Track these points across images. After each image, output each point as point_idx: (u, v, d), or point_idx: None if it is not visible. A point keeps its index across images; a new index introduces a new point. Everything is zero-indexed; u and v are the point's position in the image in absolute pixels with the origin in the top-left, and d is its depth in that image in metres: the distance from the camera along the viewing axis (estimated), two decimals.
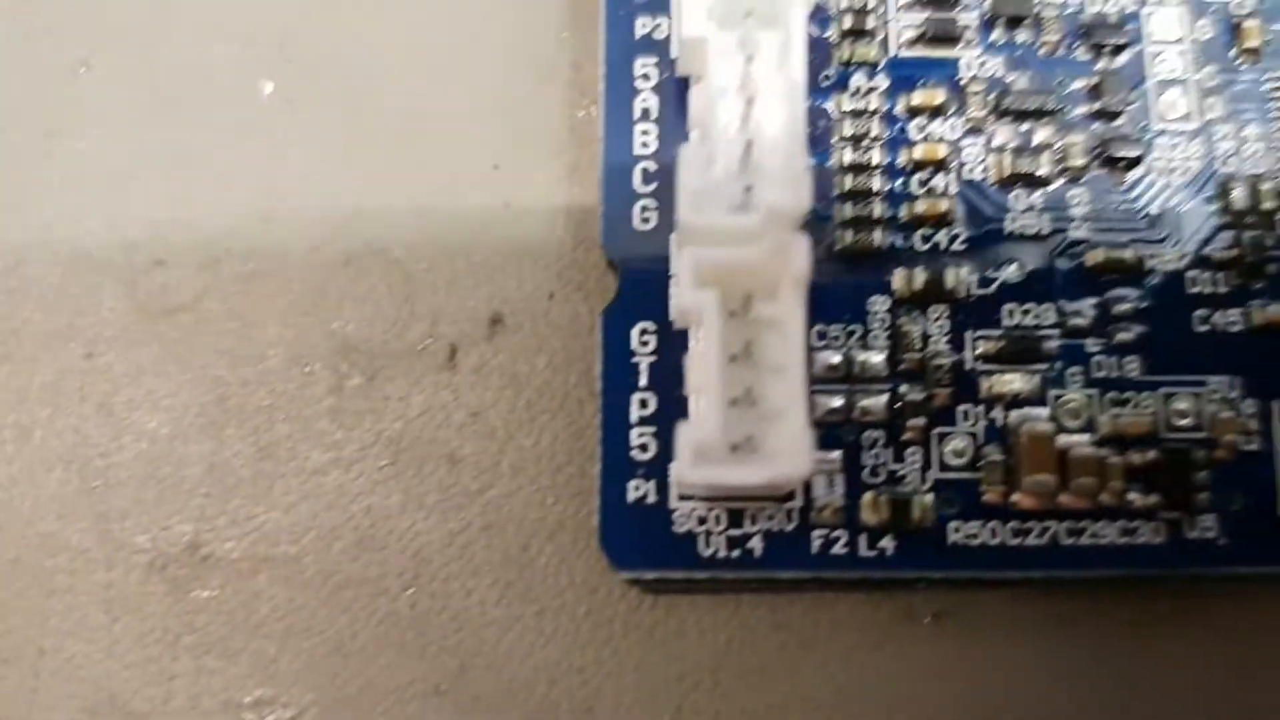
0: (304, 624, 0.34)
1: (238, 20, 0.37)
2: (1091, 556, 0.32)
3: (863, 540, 0.32)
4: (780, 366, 0.31)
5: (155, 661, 0.34)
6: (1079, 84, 0.34)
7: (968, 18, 0.35)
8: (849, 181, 0.34)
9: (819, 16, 0.34)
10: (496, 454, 0.34)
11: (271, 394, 0.35)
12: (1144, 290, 0.33)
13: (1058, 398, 0.33)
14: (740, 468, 0.30)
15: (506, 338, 0.35)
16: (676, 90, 0.34)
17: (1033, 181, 0.34)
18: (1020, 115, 0.34)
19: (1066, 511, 0.33)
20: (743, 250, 0.30)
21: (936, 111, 0.34)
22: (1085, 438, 0.33)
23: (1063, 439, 0.33)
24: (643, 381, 0.33)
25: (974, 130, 0.34)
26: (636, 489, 0.32)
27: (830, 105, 0.34)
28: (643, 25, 0.34)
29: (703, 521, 0.32)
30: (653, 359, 0.33)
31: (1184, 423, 0.33)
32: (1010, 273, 0.34)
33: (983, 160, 0.34)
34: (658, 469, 0.32)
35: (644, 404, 0.33)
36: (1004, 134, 0.34)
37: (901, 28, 0.35)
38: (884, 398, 0.33)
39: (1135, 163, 0.34)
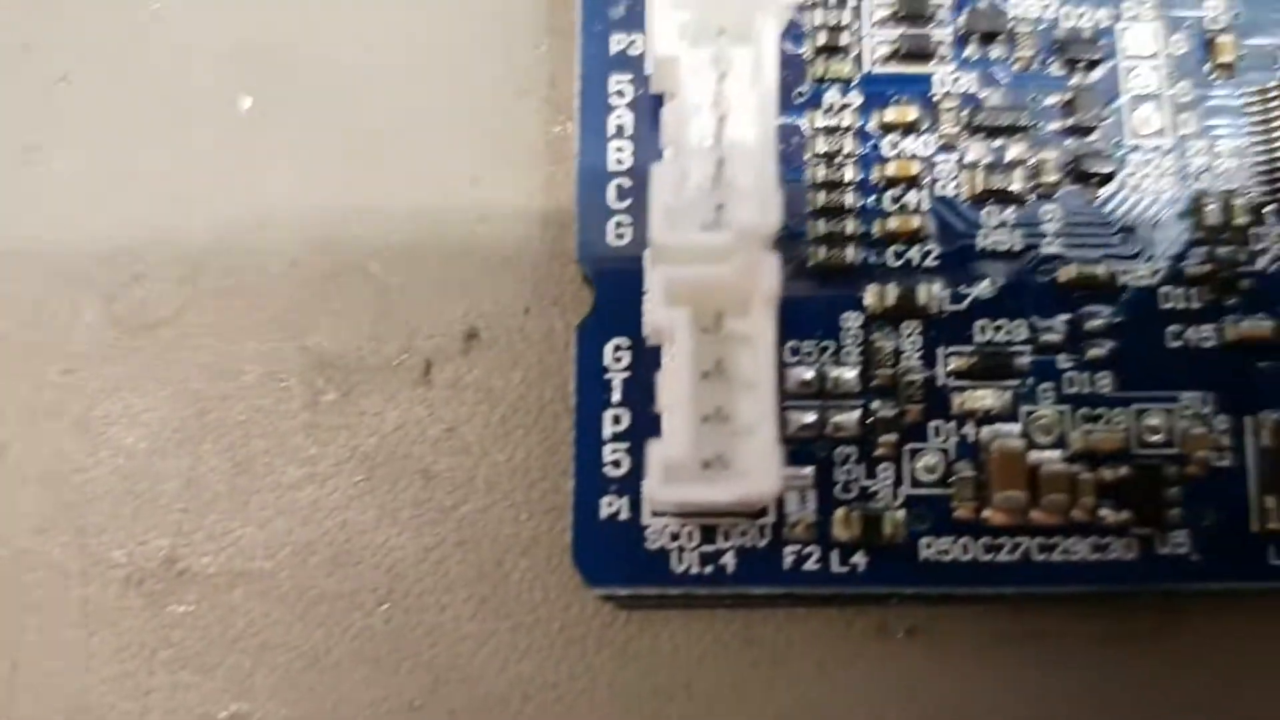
0: (279, 639, 0.34)
1: (216, 35, 0.37)
2: (1063, 572, 0.33)
3: (835, 556, 0.33)
4: (751, 383, 0.31)
5: (131, 676, 0.34)
6: (1052, 100, 0.34)
7: (941, 34, 0.35)
8: (822, 198, 0.34)
9: (793, 33, 0.34)
10: (471, 469, 0.35)
11: (248, 409, 0.35)
12: (1117, 306, 0.34)
13: (1029, 414, 0.33)
14: (710, 486, 0.30)
15: (482, 352, 0.35)
16: (651, 106, 0.34)
17: (1005, 198, 0.34)
18: (993, 131, 0.34)
19: (1038, 527, 0.33)
20: (714, 268, 0.30)
21: (909, 128, 0.34)
22: (1057, 454, 0.33)
23: (1034, 455, 0.33)
24: (616, 397, 0.33)
25: (947, 147, 0.34)
26: (610, 505, 0.33)
27: (804, 122, 0.34)
28: (618, 42, 0.34)
29: (675, 538, 0.32)
30: (626, 375, 0.33)
31: (1156, 439, 0.33)
32: (982, 289, 0.34)
33: (955, 177, 0.34)
34: (631, 485, 0.32)
35: (617, 420, 0.33)
36: (977, 150, 0.34)
37: (875, 44, 0.35)
38: (856, 413, 0.33)
39: (1108, 178, 0.34)
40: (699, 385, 0.31)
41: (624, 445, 0.33)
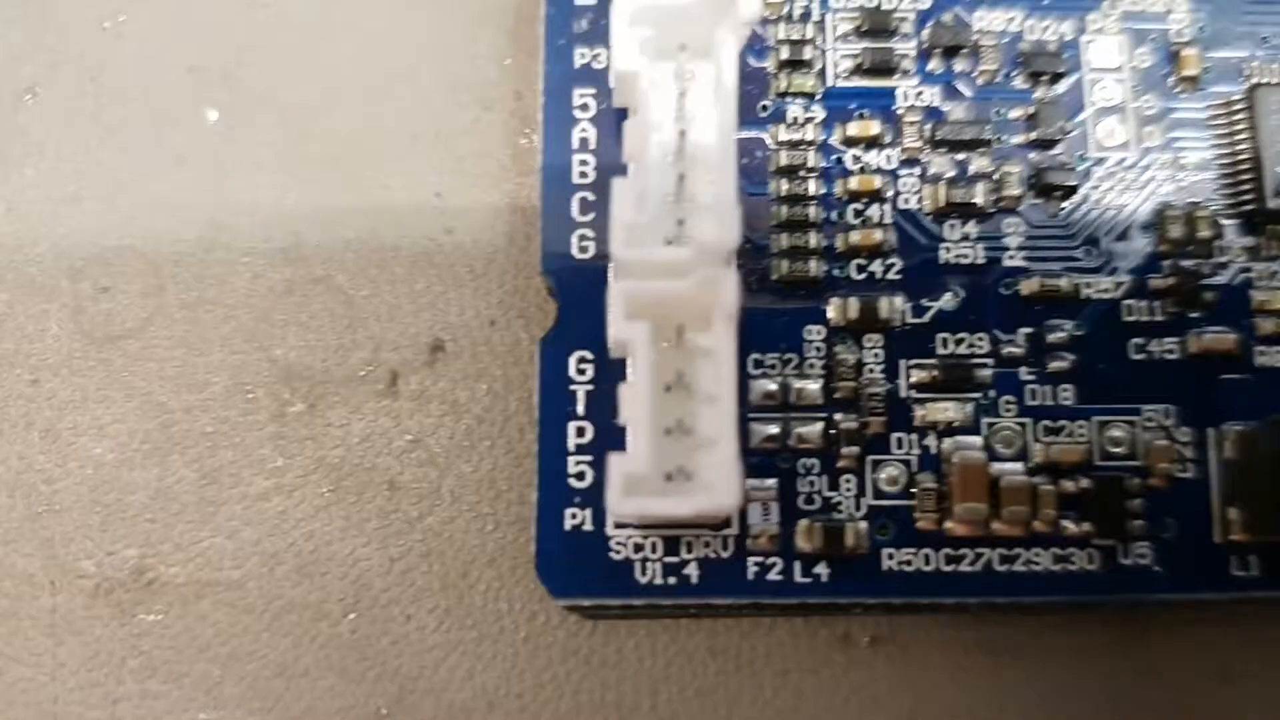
0: (248, 648, 0.34)
1: (182, 49, 0.37)
2: (1025, 583, 0.33)
3: (798, 567, 0.33)
4: (713, 396, 0.31)
5: (100, 685, 0.34)
6: (1016, 113, 0.35)
7: (905, 48, 0.35)
8: (785, 212, 0.34)
9: (756, 47, 0.35)
10: (436, 480, 0.35)
11: (215, 420, 0.35)
12: (1079, 319, 0.34)
13: (991, 426, 0.33)
14: (671, 499, 0.30)
15: (447, 364, 0.35)
16: (615, 120, 0.34)
17: (968, 211, 0.34)
18: (956, 145, 0.34)
19: (1000, 539, 0.33)
20: (674, 283, 0.30)
21: (873, 142, 0.34)
22: (1018, 466, 0.33)
23: (995, 467, 0.33)
24: (580, 410, 0.33)
25: (910, 161, 0.34)
26: (573, 517, 0.33)
27: (767, 136, 0.34)
28: (581, 56, 0.34)
29: (639, 549, 0.33)
30: (590, 387, 0.33)
31: (1118, 451, 0.33)
32: (945, 302, 0.34)
33: (918, 190, 0.34)
34: (595, 497, 0.33)
35: (581, 432, 0.33)
36: (940, 164, 0.34)
37: (839, 58, 0.35)
38: (819, 426, 0.33)
39: (1072, 191, 0.34)
40: (660, 398, 0.31)
41: (587, 457, 0.33)
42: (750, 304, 0.33)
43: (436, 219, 0.36)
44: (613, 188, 0.30)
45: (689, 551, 0.33)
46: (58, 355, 0.35)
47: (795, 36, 0.35)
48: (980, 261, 0.34)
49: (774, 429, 0.33)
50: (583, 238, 0.34)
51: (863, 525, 0.33)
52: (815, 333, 0.34)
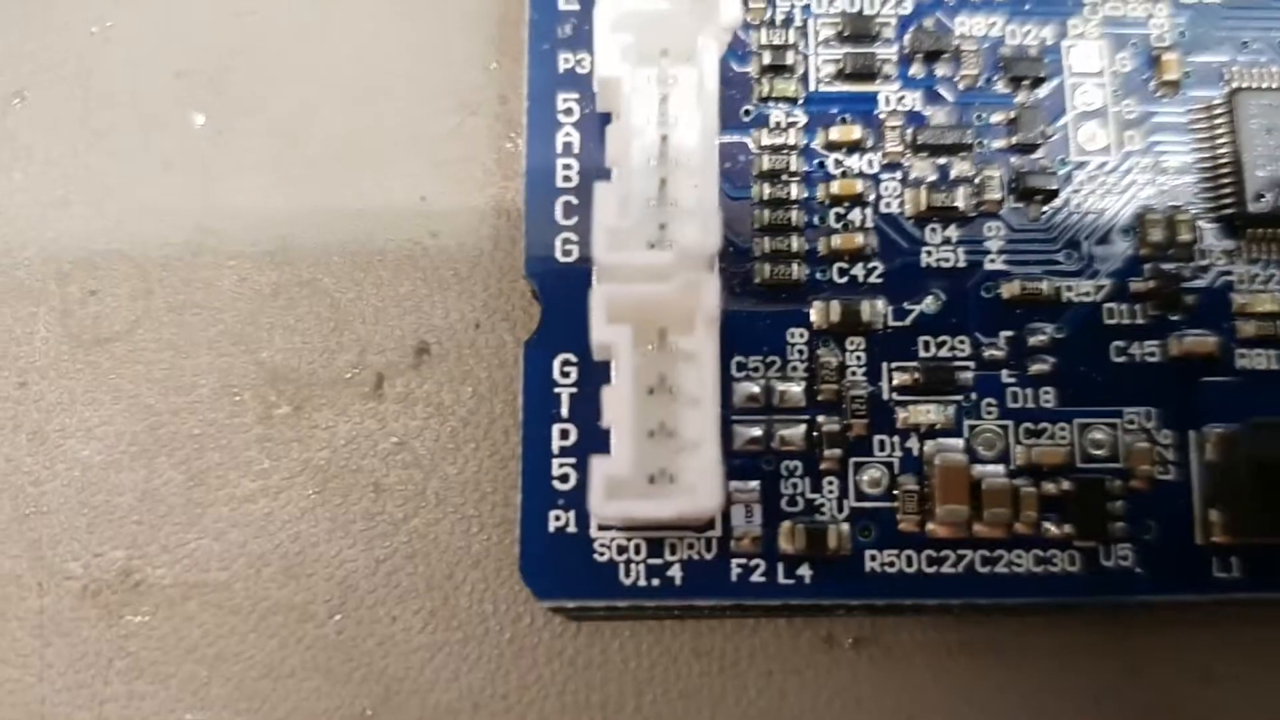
0: (234, 649, 0.34)
1: (170, 54, 0.37)
2: (1008, 585, 0.33)
3: (780, 568, 0.33)
4: (695, 400, 0.31)
5: (87, 686, 0.34)
6: (998, 117, 0.35)
7: (887, 53, 0.35)
8: (768, 215, 0.34)
9: (739, 52, 0.35)
10: (422, 482, 0.35)
11: (202, 423, 0.35)
12: (1060, 322, 0.34)
13: (973, 428, 0.33)
14: (653, 501, 0.31)
15: (433, 367, 0.35)
16: (599, 124, 0.34)
17: (949, 215, 0.34)
18: (937, 149, 0.34)
19: (981, 540, 0.33)
20: (655, 287, 0.30)
21: (854, 146, 0.34)
22: (1000, 468, 0.33)
23: (977, 469, 0.33)
24: (564, 412, 0.33)
25: (892, 165, 0.34)
26: (558, 519, 0.33)
27: (750, 140, 0.34)
28: (565, 61, 0.35)
29: (623, 551, 0.33)
30: (574, 390, 0.33)
31: (1100, 453, 0.33)
32: (926, 305, 0.34)
33: (900, 195, 0.34)
34: (578, 499, 0.33)
35: (565, 435, 0.33)
36: (921, 168, 0.34)
37: (821, 63, 0.35)
38: (802, 428, 0.33)
39: (1053, 195, 0.34)
40: (643, 401, 0.32)
41: (571, 460, 0.33)
42: (733, 307, 0.34)
43: (421, 222, 0.36)
44: (595, 192, 0.31)
45: (672, 553, 0.33)
46: (46, 358, 0.35)
47: (777, 42, 0.35)
48: (961, 265, 0.34)
49: (757, 431, 0.33)
50: (566, 241, 0.34)
51: (845, 527, 0.33)
52: (798, 335, 0.34)
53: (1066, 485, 0.33)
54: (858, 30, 0.35)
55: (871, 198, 0.34)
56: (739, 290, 0.34)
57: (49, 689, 0.34)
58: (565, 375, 0.33)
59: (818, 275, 0.34)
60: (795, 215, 0.34)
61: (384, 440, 0.35)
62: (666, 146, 0.32)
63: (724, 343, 0.32)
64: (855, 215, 0.34)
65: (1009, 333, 0.34)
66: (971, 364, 0.34)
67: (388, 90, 0.37)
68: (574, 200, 0.34)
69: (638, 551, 0.33)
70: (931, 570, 0.33)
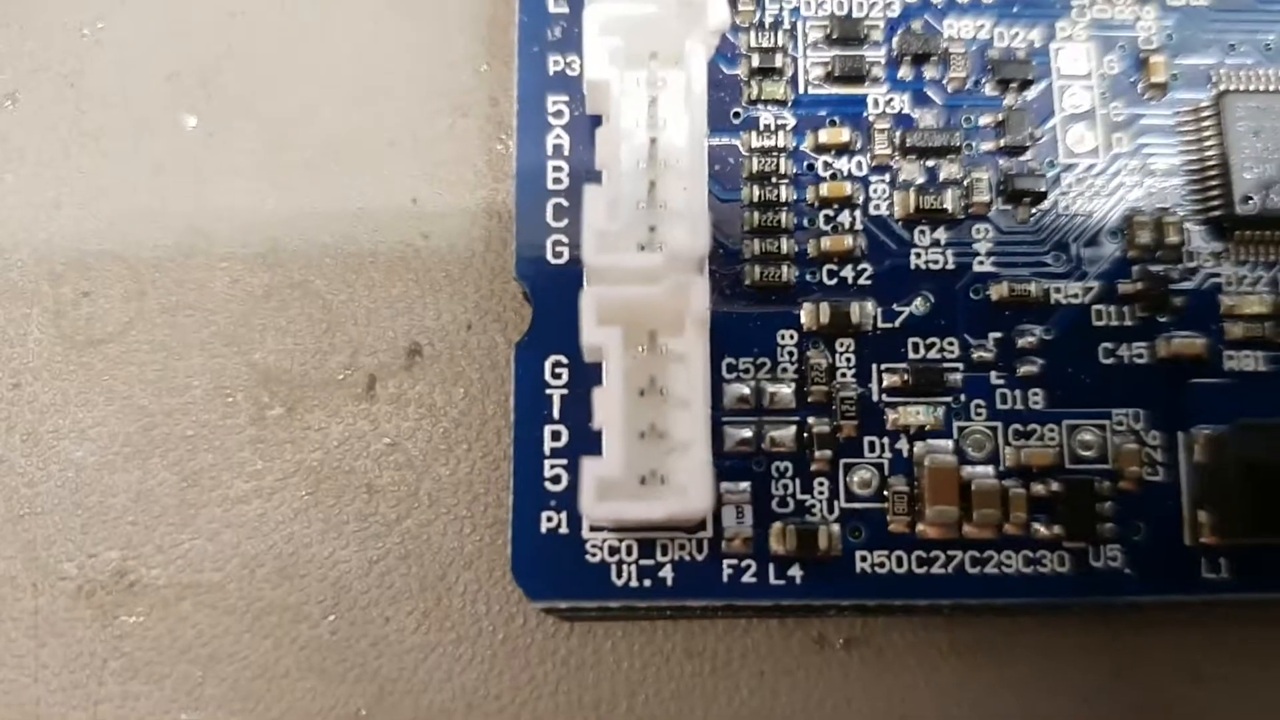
0: (228, 649, 0.35)
1: (161, 56, 0.37)
2: (997, 585, 0.33)
3: (771, 569, 0.33)
4: (685, 401, 0.31)
5: (82, 686, 0.35)
6: (986, 120, 0.35)
7: (875, 55, 0.35)
8: (757, 218, 0.34)
9: (728, 55, 0.35)
10: (414, 483, 0.35)
11: (195, 424, 0.35)
12: (1049, 324, 0.34)
13: (962, 430, 0.34)
14: (643, 502, 0.31)
15: (425, 368, 0.36)
16: (589, 125, 0.34)
17: (938, 217, 0.34)
18: (926, 152, 0.35)
19: (971, 541, 0.33)
20: (645, 289, 0.30)
21: (843, 149, 0.35)
22: (989, 469, 0.33)
23: (967, 470, 0.33)
24: (555, 413, 0.33)
25: (880, 167, 0.35)
26: (549, 520, 0.33)
27: (739, 143, 0.35)
28: (555, 63, 0.35)
29: (614, 552, 0.33)
30: (565, 391, 0.33)
31: (1089, 454, 0.34)
32: (915, 307, 0.34)
33: (889, 197, 0.35)
34: (570, 500, 0.33)
35: (557, 436, 0.33)
36: (910, 170, 0.35)
37: (809, 65, 0.35)
38: (792, 429, 0.33)
39: (1041, 197, 0.34)
40: (634, 403, 0.32)
41: (563, 461, 0.33)
42: (723, 309, 0.34)
43: (413, 224, 0.36)
44: (585, 195, 0.31)
45: (664, 554, 0.33)
46: (39, 359, 0.36)
47: (766, 44, 0.35)
48: (950, 267, 0.34)
49: (747, 433, 0.33)
50: (557, 243, 0.34)
51: (835, 528, 0.33)
52: (788, 337, 0.34)
53: (1056, 486, 0.33)
54: (846, 33, 0.35)
55: (860, 200, 0.34)
56: (729, 292, 0.34)
57: (44, 689, 0.34)
58: (556, 377, 0.34)
59: (807, 277, 0.34)
60: (785, 217, 0.34)
61: (376, 441, 0.35)
62: (656, 149, 0.32)
63: (714, 344, 0.32)
64: (844, 217, 0.34)
65: (998, 334, 0.34)
66: (960, 365, 0.34)
67: (379, 92, 0.37)
68: (564, 202, 0.34)
69: (629, 552, 0.33)
70: (922, 571, 0.33)
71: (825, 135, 0.34)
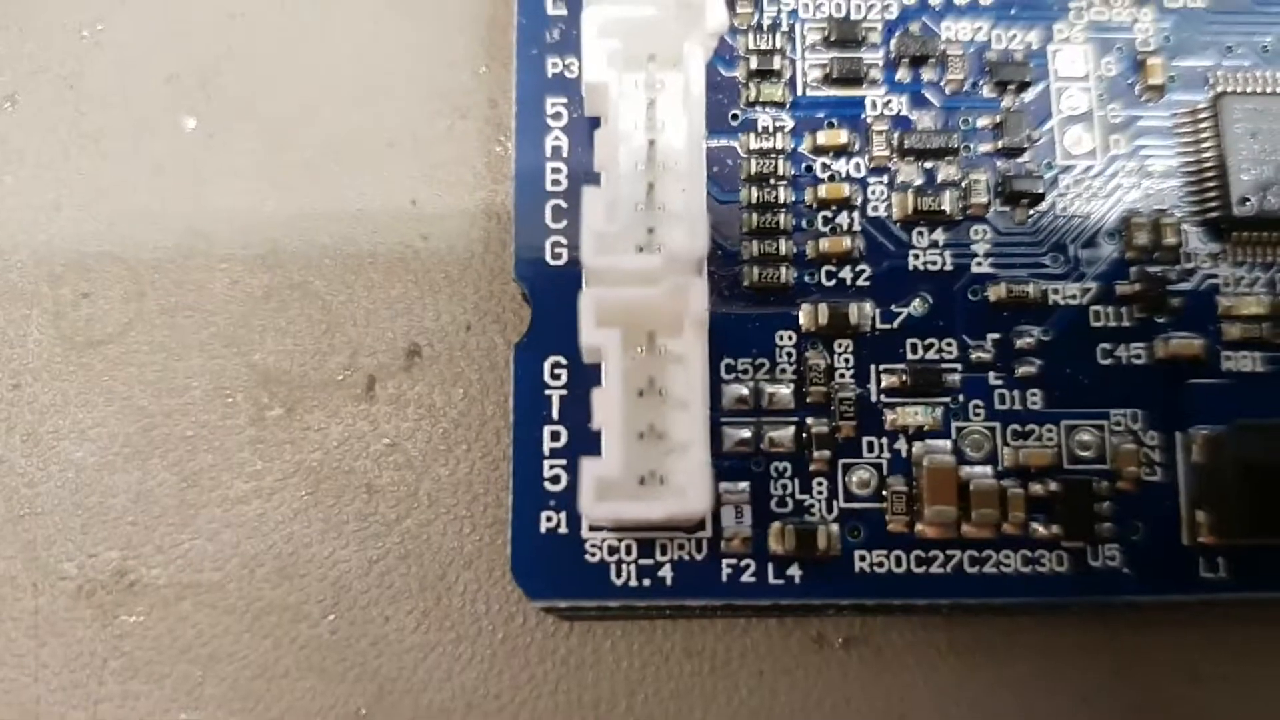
0: (228, 649, 0.35)
1: (161, 58, 0.37)
2: (996, 585, 0.33)
3: (770, 569, 0.33)
4: (684, 402, 0.32)
5: (82, 686, 0.35)
6: (984, 121, 0.35)
7: (873, 57, 0.35)
8: (755, 219, 0.34)
9: (726, 57, 0.35)
10: (414, 483, 0.35)
11: (195, 424, 0.35)
12: (1047, 325, 0.34)
13: (960, 430, 0.34)
14: (642, 503, 0.31)
15: (424, 369, 0.36)
16: (588, 127, 0.34)
17: (936, 219, 0.34)
18: (924, 154, 0.35)
19: (970, 541, 0.33)
20: (643, 291, 0.31)
21: (841, 151, 0.35)
22: (987, 469, 0.33)
23: (965, 470, 0.33)
24: (554, 414, 0.33)
25: (878, 169, 0.35)
26: (549, 520, 0.33)
27: (737, 144, 0.35)
28: (553, 65, 0.35)
29: (614, 551, 0.33)
30: (564, 392, 0.34)
31: (1087, 454, 0.34)
32: (913, 308, 0.34)
33: (886, 198, 0.35)
34: (569, 500, 0.33)
35: (556, 436, 0.33)
36: (908, 172, 0.35)
37: (807, 67, 0.35)
38: (791, 430, 0.34)
39: (1039, 199, 0.35)
40: (633, 403, 0.32)
41: (562, 461, 0.33)
42: (722, 310, 0.34)
43: (412, 225, 0.36)
44: (583, 196, 0.31)
45: (663, 554, 0.33)
46: (39, 360, 0.36)
47: (764, 46, 0.35)
48: (948, 268, 0.34)
49: (746, 433, 0.34)
50: (556, 244, 0.34)
51: (834, 528, 0.33)
52: (786, 338, 0.34)
53: (1054, 486, 0.33)
54: (844, 35, 0.35)
55: (858, 201, 0.35)
56: (727, 293, 0.34)
57: (44, 689, 0.35)
58: (556, 377, 0.34)
59: (806, 278, 0.34)
60: (783, 219, 0.34)
61: (376, 442, 0.35)
62: (654, 151, 0.32)
63: (713, 345, 0.32)
64: (843, 219, 0.34)
65: (996, 335, 0.34)
66: (959, 366, 0.34)
67: (378, 94, 0.37)
68: (563, 204, 0.34)
69: (629, 552, 0.33)
70: (920, 570, 0.33)
71: (823, 137, 0.35)
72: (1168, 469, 0.34)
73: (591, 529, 0.33)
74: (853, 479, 0.33)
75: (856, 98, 0.35)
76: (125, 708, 0.34)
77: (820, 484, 0.33)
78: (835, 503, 0.33)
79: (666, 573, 0.33)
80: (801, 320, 0.34)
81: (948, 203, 0.34)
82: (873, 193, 0.35)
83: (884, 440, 0.34)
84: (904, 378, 0.34)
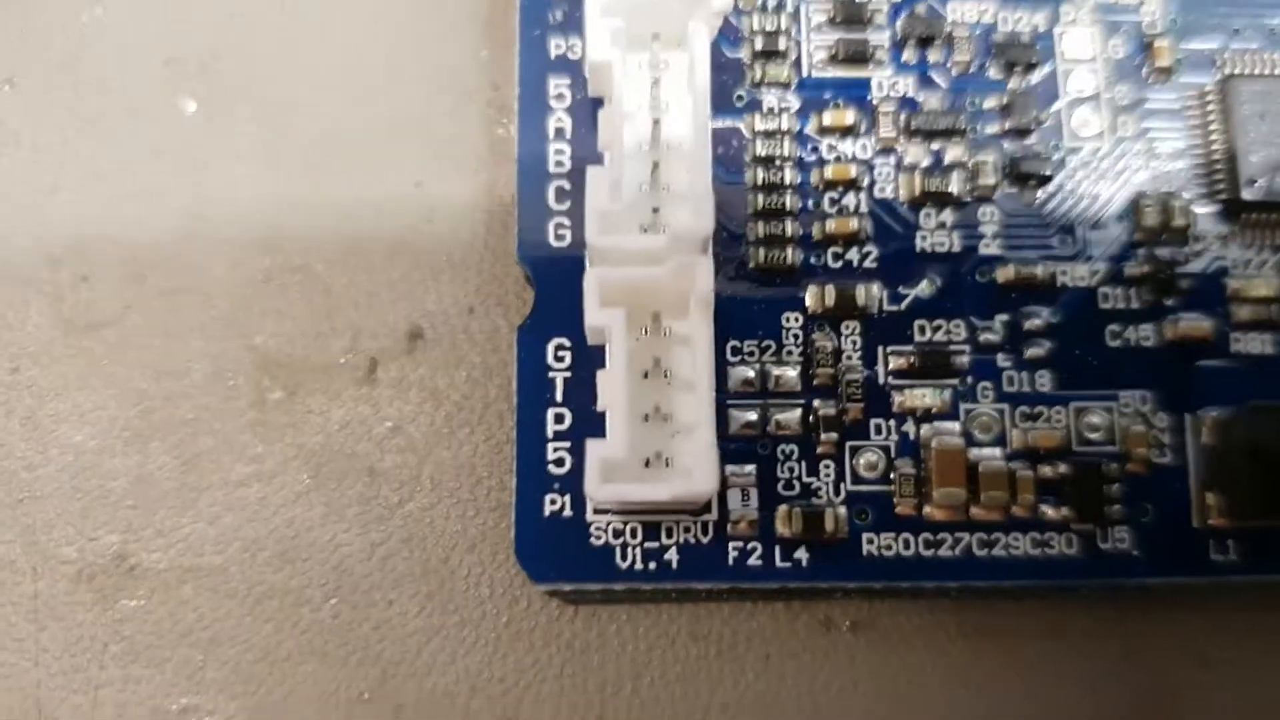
0: (229, 633, 0.34)
1: (159, 41, 0.37)
2: (1005, 567, 0.33)
3: (777, 551, 0.33)
4: (690, 383, 0.31)
5: (83, 670, 0.34)
6: (991, 103, 0.35)
7: (879, 38, 0.35)
8: (762, 200, 0.34)
9: (731, 38, 0.35)
10: (416, 467, 0.35)
11: (195, 408, 0.35)
12: (1055, 306, 0.34)
13: (969, 412, 0.33)
14: (648, 484, 0.31)
15: (426, 352, 0.35)
16: (591, 108, 0.34)
17: (944, 200, 0.34)
18: (931, 134, 0.34)
19: (979, 523, 0.33)
20: (648, 270, 0.30)
21: (848, 131, 0.34)
22: (996, 451, 0.33)
23: (974, 453, 0.33)
24: (558, 396, 0.33)
25: (885, 150, 0.34)
26: (553, 503, 0.33)
27: (743, 125, 0.34)
28: (556, 46, 0.35)
29: (619, 534, 0.33)
30: (568, 374, 0.33)
31: (1096, 436, 0.33)
32: (921, 289, 0.34)
33: (894, 179, 0.34)
34: (574, 483, 0.33)
35: (559, 419, 0.33)
36: (915, 153, 0.34)
37: (813, 48, 0.35)
38: (798, 412, 0.33)
39: (1047, 180, 0.34)
40: (638, 385, 0.32)
41: (566, 444, 0.33)
42: (727, 292, 0.34)
43: (414, 208, 0.36)
44: (588, 176, 0.31)
45: (669, 537, 0.33)
46: (38, 343, 0.35)
47: (770, 27, 0.35)
48: (956, 250, 0.34)
49: (752, 415, 0.33)
50: (559, 226, 0.34)
51: (842, 510, 0.33)
52: (793, 320, 0.34)
53: (1064, 468, 0.33)
54: (850, 16, 0.35)
55: (865, 182, 0.34)
56: (733, 275, 0.34)
57: (44, 673, 0.34)
58: (559, 360, 0.33)
59: (812, 260, 0.34)
60: (789, 200, 0.34)
61: (378, 425, 0.35)
62: (659, 131, 0.32)
63: (718, 327, 0.32)
64: (849, 200, 0.34)
65: (1004, 317, 0.34)
66: (967, 348, 0.34)
67: (380, 76, 0.37)
68: (566, 185, 0.34)
69: (634, 535, 0.33)
70: (929, 553, 0.33)
71: (829, 118, 0.34)
72: (1177, 451, 0.33)
73: (596, 512, 0.33)
74: (860, 461, 0.33)
75: (863, 79, 0.35)
76: (126, 692, 0.34)
77: (828, 466, 0.33)
78: (843, 485, 0.33)
79: (672, 556, 0.33)
80: (808, 302, 0.34)
81: (955, 184, 0.34)
82: (880, 174, 0.34)
83: (892, 422, 0.33)
84: (912, 359, 0.34)
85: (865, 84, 0.35)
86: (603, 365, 0.32)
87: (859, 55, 0.35)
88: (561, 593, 0.33)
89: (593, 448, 0.30)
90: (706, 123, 0.31)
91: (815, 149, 0.34)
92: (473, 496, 0.35)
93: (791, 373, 0.33)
